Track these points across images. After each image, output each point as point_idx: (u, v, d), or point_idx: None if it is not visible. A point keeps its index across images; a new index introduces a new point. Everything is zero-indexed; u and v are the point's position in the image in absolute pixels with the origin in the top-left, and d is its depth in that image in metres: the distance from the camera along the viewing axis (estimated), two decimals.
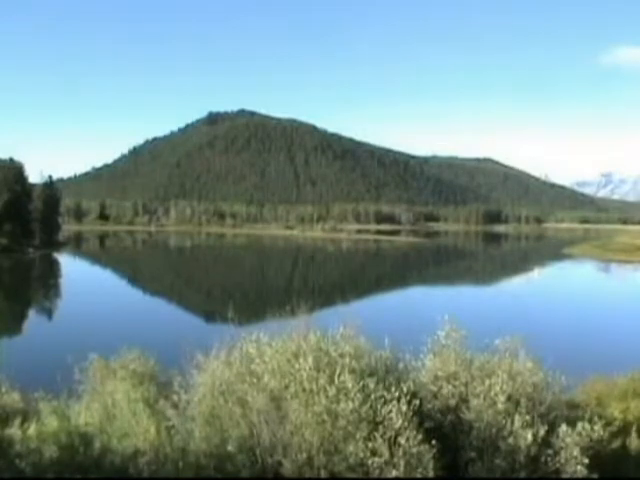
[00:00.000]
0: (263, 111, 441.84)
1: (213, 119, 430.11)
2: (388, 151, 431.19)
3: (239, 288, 56.53)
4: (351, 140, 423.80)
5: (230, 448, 5.09)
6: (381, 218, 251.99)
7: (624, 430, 7.26)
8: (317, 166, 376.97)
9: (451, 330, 6.35)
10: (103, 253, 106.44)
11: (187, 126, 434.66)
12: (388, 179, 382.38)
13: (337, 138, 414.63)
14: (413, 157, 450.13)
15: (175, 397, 5.82)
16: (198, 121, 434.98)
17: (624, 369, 10.47)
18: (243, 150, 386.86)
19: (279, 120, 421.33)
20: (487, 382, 6.07)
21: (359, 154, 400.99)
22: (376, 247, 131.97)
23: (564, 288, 58.64)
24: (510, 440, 5.78)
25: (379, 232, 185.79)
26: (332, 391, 5.05)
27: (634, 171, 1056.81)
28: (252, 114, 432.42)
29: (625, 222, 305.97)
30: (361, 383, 5.12)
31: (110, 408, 5.80)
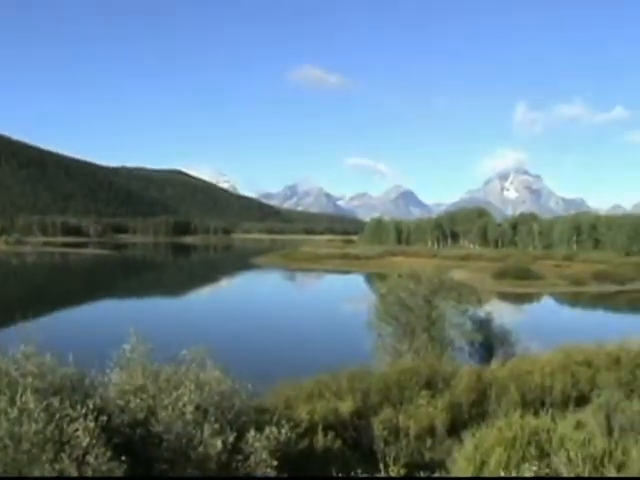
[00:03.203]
0: None
1: None
2: (76, 161, 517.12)
3: None
4: (37, 149, 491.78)
5: None
6: (68, 230, 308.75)
7: (311, 430, 10.19)
8: (0, 175, 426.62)
9: (137, 343, 8.21)
10: None
11: None
12: (76, 190, 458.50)
13: (22, 146, 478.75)
14: (101, 167, 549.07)
15: None
16: None
17: (311, 372, 14.08)
18: None
19: None
20: (175, 393, 8.09)
21: (45, 163, 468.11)
22: (63, 260, 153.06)
23: (252, 297, 72.50)
24: (201, 449, 7.85)
25: (66, 245, 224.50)
26: (14, 413, 6.19)
27: (317, 184, 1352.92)
28: None
29: (309, 232, 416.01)
30: (45, 402, 6.51)
31: None
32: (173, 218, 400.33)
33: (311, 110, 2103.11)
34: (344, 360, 15.24)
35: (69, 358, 7.68)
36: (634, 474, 8.01)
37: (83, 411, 6.82)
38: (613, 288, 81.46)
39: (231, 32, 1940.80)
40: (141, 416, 7.74)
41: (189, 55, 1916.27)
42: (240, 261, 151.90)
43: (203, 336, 10.09)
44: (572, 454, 8.25)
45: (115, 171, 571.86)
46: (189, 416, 7.93)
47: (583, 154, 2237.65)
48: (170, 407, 7.87)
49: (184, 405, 7.96)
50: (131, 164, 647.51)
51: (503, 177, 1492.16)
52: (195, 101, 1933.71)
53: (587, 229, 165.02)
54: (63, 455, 6.47)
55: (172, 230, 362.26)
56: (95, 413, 6.90)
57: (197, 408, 8.11)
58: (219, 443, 7.84)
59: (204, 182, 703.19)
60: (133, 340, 8.30)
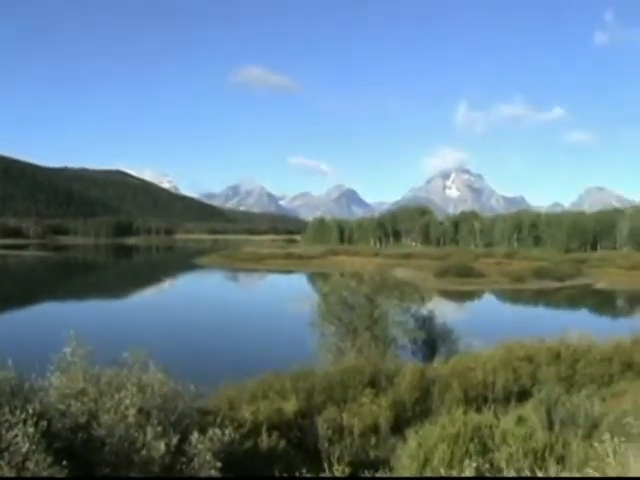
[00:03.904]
0: None
1: None
2: (15, 161, 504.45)
3: None
4: None
5: None
6: (8, 232, 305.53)
7: (255, 430, 10.30)
8: None
9: (77, 346, 8.19)
10: None
11: None
12: (15, 191, 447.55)
13: None
14: (42, 168, 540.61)
15: None
16: None
17: (255, 372, 14.23)
18: None
19: None
20: (117, 396, 8.09)
21: None
22: (2, 262, 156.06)
23: (195, 298, 73.42)
24: (144, 452, 7.84)
25: (5, 247, 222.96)
26: None
27: (259, 184, 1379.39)
28: None
29: (251, 232, 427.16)
30: None
31: None
32: (115, 219, 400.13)
33: (254, 110, 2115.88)
34: (288, 360, 15.41)
35: (8, 362, 7.61)
36: (574, 466, 8.33)
37: (22, 416, 6.75)
38: (553, 285, 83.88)
39: (172, 31, 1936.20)
40: (82, 420, 7.71)
41: (130, 55, 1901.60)
42: (183, 262, 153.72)
43: (146, 338, 10.16)
44: (514, 449, 8.54)
45: (56, 172, 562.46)
46: (131, 419, 7.93)
47: (523, 153, 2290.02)
48: (112, 410, 7.86)
49: (126, 408, 7.97)
50: (73, 165, 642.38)
51: (445, 176, 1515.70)
52: (137, 101, 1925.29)
53: (527, 227, 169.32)
54: (2, 462, 6.42)
55: (114, 231, 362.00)
56: (35, 418, 6.84)
57: (139, 411, 8.12)
58: (162, 446, 7.85)
59: (146, 182, 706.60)
60: (74, 343, 8.27)
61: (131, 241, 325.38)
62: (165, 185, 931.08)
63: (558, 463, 8.43)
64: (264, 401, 11.83)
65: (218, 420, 9.22)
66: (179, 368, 9.41)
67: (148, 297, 79.16)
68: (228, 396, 11.99)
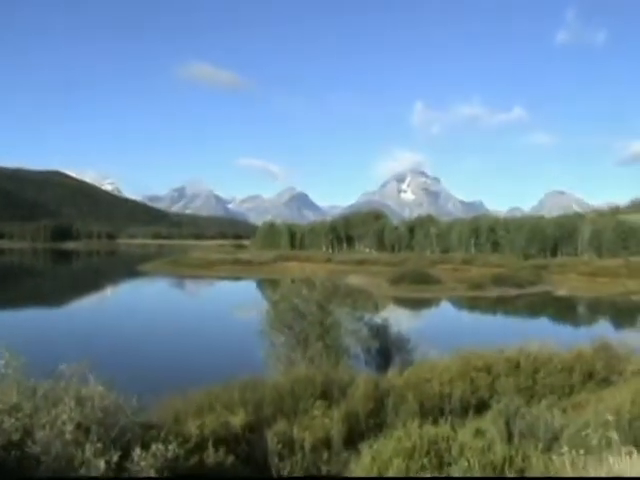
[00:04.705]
0: None
1: None
2: None
3: None
4: None
5: None
6: None
7: (201, 445, 10.23)
8: None
9: (11, 358, 8.05)
10: None
11: None
12: None
13: None
14: None
15: None
16: None
17: (202, 383, 14.14)
18: None
19: None
20: (53, 411, 7.97)
21: None
22: None
23: (138, 307, 73.55)
24: (82, 470, 7.74)
25: None
26: None
27: (206, 186, 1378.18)
28: None
29: (198, 237, 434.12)
30: None
31: None
32: (53, 222, 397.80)
33: (201, 108, 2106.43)
34: (236, 370, 15.33)
35: None
36: None
37: None
38: (512, 292, 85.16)
39: (115, 27, 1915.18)
40: (16, 437, 7.57)
41: (69, 50, 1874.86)
42: (126, 268, 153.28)
43: (85, 349, 10.00)
44: (471, 462, 8.62)
45: None
46: (69, 435, 7.82)
47: (482, 155, 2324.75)
48: (48, 426, 7.74)
49: (63, 423, 7.85)
50: (7, 165, 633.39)
51: (400, 179, 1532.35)
52: (75, 98, 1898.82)
53: (486, 232, 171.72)
54: None
55: (52, 235, 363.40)
56: None
57: (78, 426, 8.02)
58: (102, 463, 7.75)
59: (86, 184, 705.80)
60: (6, 355, 8.13)
61: (71, 246, 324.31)
62: (107, 187, 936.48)
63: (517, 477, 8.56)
64: (211, 414, 11.74)
65: (162, 435, 9.15)
66: (121, 380, 9.30)
67: (88, 306, 78.03)
68: (173, 409, 11.87)
